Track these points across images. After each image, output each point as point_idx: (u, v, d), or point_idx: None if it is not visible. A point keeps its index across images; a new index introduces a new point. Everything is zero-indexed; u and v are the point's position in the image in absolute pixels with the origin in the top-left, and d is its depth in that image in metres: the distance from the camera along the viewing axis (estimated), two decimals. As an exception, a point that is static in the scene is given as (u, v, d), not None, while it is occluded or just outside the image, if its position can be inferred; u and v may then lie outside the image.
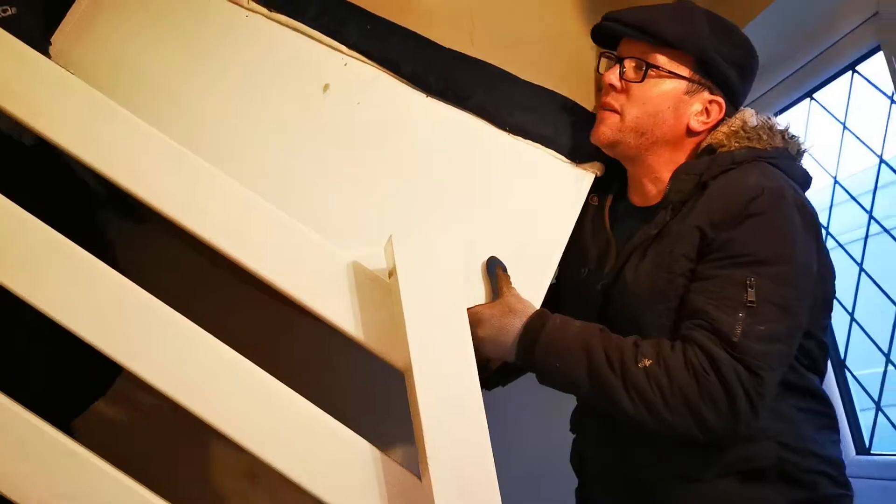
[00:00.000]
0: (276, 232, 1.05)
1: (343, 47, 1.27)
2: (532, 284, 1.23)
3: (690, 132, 1.24)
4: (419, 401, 0.98)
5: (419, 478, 1.03)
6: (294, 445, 1.02)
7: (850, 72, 1.79)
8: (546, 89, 1.32)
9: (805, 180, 1.24)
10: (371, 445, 1.04)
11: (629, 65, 1.24)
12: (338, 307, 1.04)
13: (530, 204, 1.27)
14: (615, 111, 1.25)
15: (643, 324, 1.17)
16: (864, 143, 1.83)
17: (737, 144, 1.20)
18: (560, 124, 1.30)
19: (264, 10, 1.27)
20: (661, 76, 1.22)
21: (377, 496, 1.02)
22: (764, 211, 1.11)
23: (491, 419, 0.99)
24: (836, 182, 1.91)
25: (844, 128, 1.87)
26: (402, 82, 1.27)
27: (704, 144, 1.24)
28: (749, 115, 1.23)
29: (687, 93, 1.22)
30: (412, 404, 1.02)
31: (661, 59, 1.22)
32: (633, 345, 1.11)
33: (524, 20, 2.15)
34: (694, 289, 1.12)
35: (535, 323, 1.15)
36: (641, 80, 1.22)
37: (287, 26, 1.28)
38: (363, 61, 1.26)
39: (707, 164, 1.19)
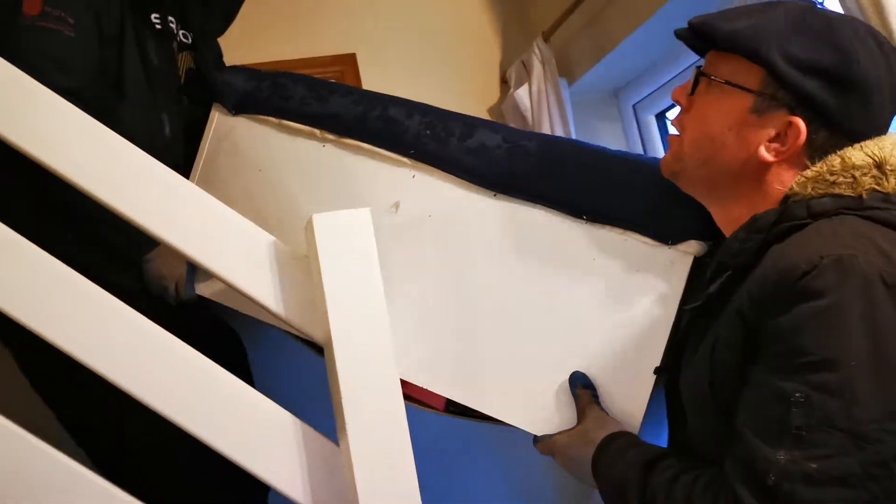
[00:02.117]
0: (200, 212, 1.08)
1: (406, 160, 1.24)
2: (632, 392, 1.08)
3: (766, 165, 0.92)
4: (338, 371, 1.05)
5: (337, 444, 1.10)
6: (215, 414, 1.06)
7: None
8: (618, 160, 1.14)
9: None
10: (290, 414, 1.10)
11: (695, 76, 0.99)
12: (260, 284, 1.09)
13: (621, 299, 1.10)
14: (679, 134, 1.01)
15: (692, 428, 0.97)
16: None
17: (815, 191, 0.88)
18: (643, 200, 1.10)
19: (334, 137, 1.27)
20: (722, 90, 0.94)
21: (297, 462, 1.08)
22: (821, 291, 0.78)
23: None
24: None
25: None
26: (468, 186, 1.19)
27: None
28: (856, 151, 0.89)
29: (753, 111, 0.92)
30: (331, 374, 1.09)
31: (723, 68, 0.95)
32: (669, 480, 0.89)
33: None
34: (741, 399, 0.84)
35: (600, 452, 1.03)
36: (691, 93, 0.98)
37: (357, 149, 1.26)
38: (427, 170, 1.21)
39: (774, 218, 0.89)
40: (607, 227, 1.11)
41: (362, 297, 1.08)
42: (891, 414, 0.76)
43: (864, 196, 0.86)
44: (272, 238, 1.12)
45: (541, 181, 1.15)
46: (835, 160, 0.88)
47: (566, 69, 2.18)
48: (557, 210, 1.14)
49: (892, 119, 0.93)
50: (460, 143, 1.20)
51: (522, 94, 2.14)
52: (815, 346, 0.77)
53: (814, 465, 0.75)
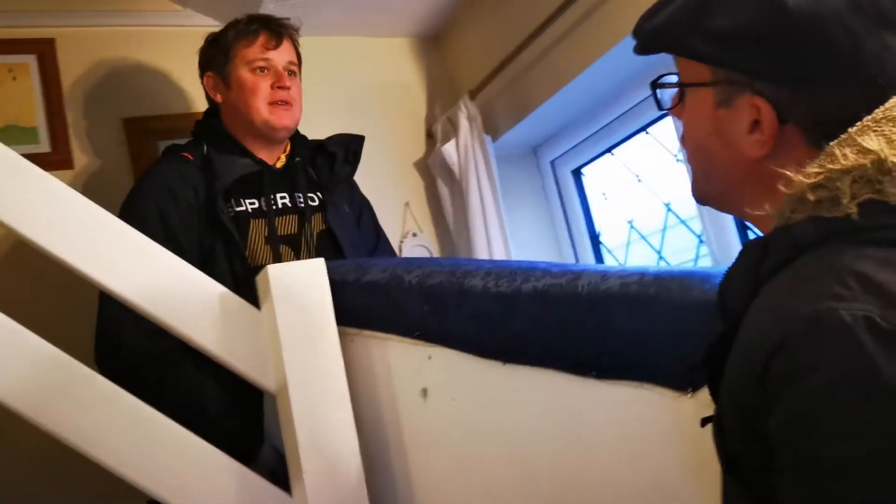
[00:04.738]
0: (153, 264, 1.09)
1: (413, 341, 1.18)
2: None
3: (759, 163, 0.72)
4: (294, 420, 1.06)
5: (289, 494, 1.10)
6: (161, 464, 1.05)
7: (643, 132, 2.10)
8: (617, 296, 0.95)
9: None
10: (238, 463, 1.10)
11: (652, 90, 0.83)
12: (211, 335, 1.10)
13: (650, 463, 0.92)
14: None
15: None
16: (653, 192, 2.14)
17: (796, 213, 0.65)
18: (652, 344, 0.91)
19: (355, 331, 1.23)
20: (690, 94, 0.78)
21: (247, 513, 1.08)
22: (798, 370, 0.57)
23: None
24: (631, 225, 2.22)
25: (638, 179, 2.18)
26: (477, 360, 1.11)
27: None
28: (859, 139, 0.63)
29: (719, 105, 0.74)
30: (285, 423, 1.09)
31: (680, 69, 0.79)
32: None
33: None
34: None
35: None
36: (658, 107, 0.83)
37: (374, 339, 1.23)
38: (438, 348, 1.16)
39: (756, 254, 0.68)
40: (622, 382, 0.94)
41: (317, 344, 1.10)
42: None
43: (853, 215, 0.61)
44: (223, 288, 1.13)
45: (540, 342, 1.03)
46: (814, 167, 0.64)
47: (490, 126, 2.28)
48: (565, 371, 1.01)
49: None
50: (457, 313, 1.13)
51: (450, 150, 2.21)
52: (819, 447, 0.56)
53: None
